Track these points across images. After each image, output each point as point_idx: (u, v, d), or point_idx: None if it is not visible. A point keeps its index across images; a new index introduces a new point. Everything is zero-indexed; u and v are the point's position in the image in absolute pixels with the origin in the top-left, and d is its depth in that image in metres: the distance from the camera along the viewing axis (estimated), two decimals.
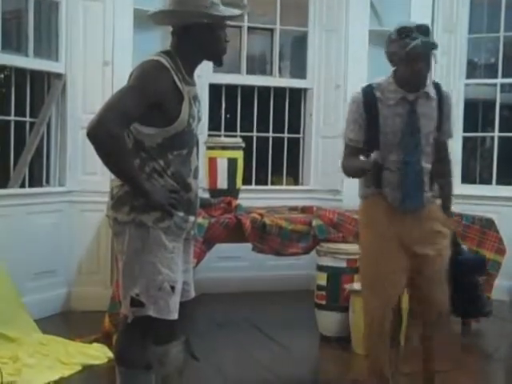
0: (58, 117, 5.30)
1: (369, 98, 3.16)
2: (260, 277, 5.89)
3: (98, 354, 4.09)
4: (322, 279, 4.67)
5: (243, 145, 5.40)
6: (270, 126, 6.45)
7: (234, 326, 4.99)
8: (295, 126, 6.52)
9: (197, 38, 2.69)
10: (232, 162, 5.24)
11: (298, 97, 6.49)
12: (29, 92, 5.15)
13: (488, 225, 4.93)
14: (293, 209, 5.39)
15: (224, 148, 5.28)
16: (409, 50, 3.02)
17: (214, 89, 6.13)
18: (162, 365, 2.77)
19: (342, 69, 6.11)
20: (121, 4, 5.22)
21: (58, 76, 5.23)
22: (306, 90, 6.42)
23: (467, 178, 6.50)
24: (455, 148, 5.79)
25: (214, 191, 5.22)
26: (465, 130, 6.34)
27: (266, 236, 4.67)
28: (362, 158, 3.11)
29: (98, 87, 5.15)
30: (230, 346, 4.54)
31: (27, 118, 5.16)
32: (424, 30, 3.03)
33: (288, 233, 4.73)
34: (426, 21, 5.89)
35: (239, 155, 5.32)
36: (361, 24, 6.06)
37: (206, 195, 5.06)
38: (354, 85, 6.01)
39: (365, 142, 3.15)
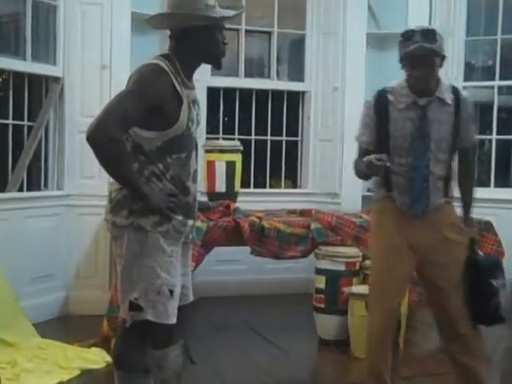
0: (56, 120, 5.30)
1: (380, 102, 3.16)
2: (258, 280, 5.88)
3: (97, 358, 4.08)
4: (321, 282, 4.66)
5: (241, 148, 5.40)
6: (268, 129, 6.45)
7: (232, 330, 4.98)
8: (293, 129, 6.52)
9: (194, 40, 2.69)
10: (230, 165, 5.23)
11: (295, 100, 6.49)
12: (27, 96, 5.15)
13: (486, 227, 4.93)
14: (291, 212, 5.38)
15: (222, 151, 5.28)
16: (405, 54, 3.03)
17: (212, 92, 6.13)
18: (160, 369, 2.77)
19: (339, 72, 6.11)
20: (119, 8, 5.22)
21: (56, 80, 5.23)
22: (303, 92, 6.43)
23: None
24: None
25: (213, 194, 5.22)
26: None
27: (264, 239, 4.66)
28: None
29: (96, 91, 5.15)
30: (228, 349, 4.54)
31: (25, 122, 5.16)
32: (426, 34, 2.99)
33: (286, 236, 4.72)
34: (423, 23, 5.94)
35: (237, 158, 5.31)
36: (358, 27, 6.07)
37: (205, 198, 5.06)
38: (352, 88, 6.07)
39: (376, 144, 3.15)
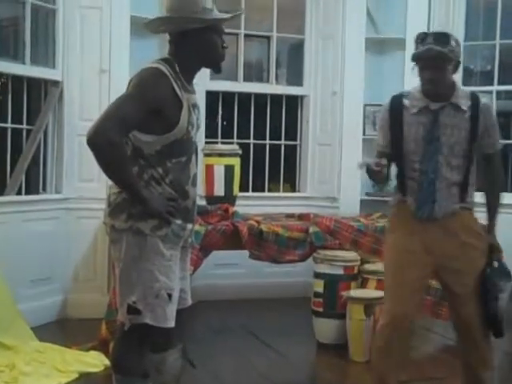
0: (55, 124, 5.30)
1: (395, 106, 3.17)
2: (257, 284, 5.88)
3: (95, 361, 4.08)
4: (319, 286, 4.67)
5: (240, 152, 5.41)
6: (266, 133, 6.46)
7: (230, 333, 4.98)
8: (292, 133, 6.53)
9: (192, 43, 2.70)
10: (229, 169, 5.24)
11: (294, 104, 6.50)
12: (26, 99, 5.15)
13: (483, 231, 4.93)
14: (290, 216, 5.39)
15: (221, 155, 5.28)
16: (413, 55, 3.04)
17: (211, 96, 6.14)
18: (158, 373, 2.77)
19: (338, 76, 6.12)
20: (118, 11, 5.23)
21: (55, 83, 5.23)
22: (302, 97, 6.43)
23: None
24: None
25: (211, 198, 5.22)
26: None
27: (262, 243, 4.67)
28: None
29: (95, 94, 5.16)
30: (227, 353, 4.54)
31: (24, 126, 5.16)
32: (440, 38, 2.98)
33: (285, 240, 4.73)
34: (422, 28, 5.95)
35: (236, 162, 5.32)
36: (357, 31, 6.08)
37: (203, 202, 5.06)
38: (351, 92, 6.08)
39: (390, 148, 3.17)
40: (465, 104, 3.07)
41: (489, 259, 3.10)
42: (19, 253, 4.76)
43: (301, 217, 5.28)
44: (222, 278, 5.83)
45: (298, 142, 6.51)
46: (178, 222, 2.70)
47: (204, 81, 5.65)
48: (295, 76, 6.62)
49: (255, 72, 7.08)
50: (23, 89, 5.14)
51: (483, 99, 3.13)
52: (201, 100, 5.67)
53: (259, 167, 6.44)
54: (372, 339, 3.27)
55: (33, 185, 5.39)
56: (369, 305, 4.35)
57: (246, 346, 4.69)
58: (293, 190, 6.67)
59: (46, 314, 5.02)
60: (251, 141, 6.40)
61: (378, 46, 6.28)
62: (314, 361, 4.70)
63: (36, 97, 5.31)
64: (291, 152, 6.55)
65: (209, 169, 5.22)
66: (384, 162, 2.99)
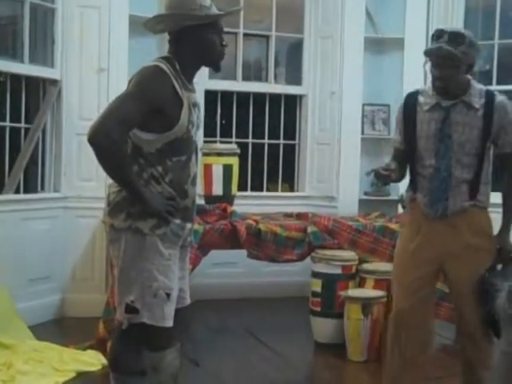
0: (53, 123, 5.29)
1: (409, 103, 3.18)
2: (255, 283, 5.88)
3: (93, 360, 4.08)
4: (317, 286, 4.67)
5: (238, 151, 5.41)
6: (265, 133, 6.46)
7: (228, 333, 4.98)
8: (291, 133, 6.53)
9: (191, 41, 2.70)
10: (227, 169, 5.24)
11: (293, 103, 6.50)
12: (24, 98, 5.15)
13: None
14: (288, 215, 5.39)
15: (219, 154, 5.28)
16: (425, 52, 3.05)
17: (210, 95, 6.13)
18: (156, 371, 2.76)
19: (337, 75, 6.11)
20: (117, 10, 5.22)
21: (54, 82, 5.23)
22: (301, 96, 6.43)
23: None
24: None
25: (210, 197, 5.22)
26: None
27: (261, 242, 4.67)
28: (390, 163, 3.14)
29: (94, 93, 5.16)
30: (224, 352, 4.53)
31: (22, 124, 5.16)
32: (455, 37, 2.97)
33: (283, 239, 4.73)
34: (421, 28, 5.99)
35: (235, 161, 5.32)
36: (356, 31, 6.07)
37: (201, 201, 5.06)
38: (350, 91, 6.08)
39: (405, 145, 3.19)
40: (478, 102, 3.06)
41: (494, 261, 3.08)
42: (17, 252, 4.76)
43: (299, 216, 5.28)
44: (220, 277, 5.83)
45: (296, 142, 6.51)
46: (177, 221, 2.70)
47: (203, 80, 5.64)
48: (294, 75, 6.62)
49: (254, 71, 7.09)
50: (22, 88, 5.14)
51: (499, 97, 3.09)
52: (199, 99, 5.67)
53: (258, 166, 6.44)
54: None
55: (31, 184, 5.39)
56: (366, 304, 4.35)
57: (243, 346, 4.69)
58: (291, 189, 6.67)
59: (43, 313, 5.02)
60: (250, 140, 6.39)
61: (377, 45, 6.28)
62: (312, 360, 4.70)
63: (34, 96, 5.31)
64: (290, 151, 6.55)
65: (207, 168, 5.22)
66: (393, 165, 3.01)
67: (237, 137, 6.33)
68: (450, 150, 3.06)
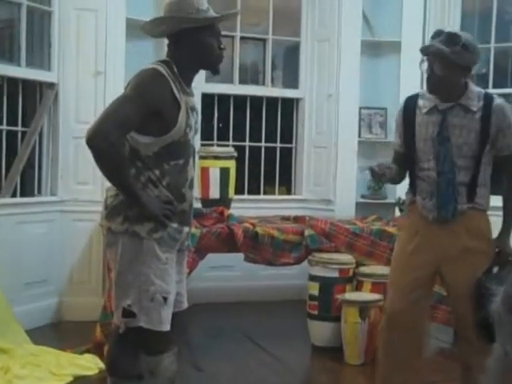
0: (50, 126, 5.29)
1: (408, 106, 3.20)
2: (252, 286, 5.88)
3: (90, 364, 4.07)
4: (314, 289, 4.66)
5: (235, 154, 5.41)
6: (262, 136, 6.46)
7: (225, 336, 4.97)
8: (287, 136, 6.53)
9: (189, 45, 2.71)
10: (224, 172, 5.24)
11: (290, 106, 6.50)
12: (21, 101, 5.14)
13: None
14: (285, 218, 5.39)
15: (216, 158, 5.28)
16: (419, 50, 3.07)
17: (207, 98, 6.14)
18: (153, 375, 2.76)
19: (334, 79, 6.12)
20: (113, 14, 5.22)
21: (51, 85, 5.22)
22: (298, 99, 6.44)
23: None
24: None
25: (207, 201, 5.22)
26: None
27: (258, 246, 4.67)
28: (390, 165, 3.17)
29: (91, 97, 5.15)
30: (221, 356, 4.52)
31: (19, 128, 5.15)
32: (451, 38, 2.97)
33: (280, 243, 4.73)
34: (417, 31, 6.00)
35: (231, 165, 5.32)
36: (353, 34, 6.08)
37: (198, 205, 5.05)
38: (347, 94, 6.09)
39: (404, 148, 3.21)
40: (475, 105, 3.06)
41: (491, 264, 3.08)
42: (14, 255, 4.75)
43: (296, 219, 5.28)
44: (217, 281, 5.83)
45: (293, 145, 6.51)
46: (175, 225, 2.70)
47: (199, 83, 5.63)
48: (291, 78, 6.62)
49: (251, 74, 7.08)
50: (18, 91, 5.13)
51: (497, 100, 3.09)
52: (196, 102, 5.67)
53: (255, 170, 6.44)
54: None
55: (28, 187, 5.38)
56: (364, 308, 4.35)
57: (241, 349, 4.68)
58: (288, 192, 6.67)
59: (40, 317, 5.00)
60: (247, 143, 6.40)
61: (374, 48, 6.29)
62: (309, 364, 4.70)
63: (31, 99, 5.30)
64: (287, 154, 6.55)
65: (204, 171, 5.21)
66: (390, 165, 3.00)
67: (234, 140, 6.33)
68: (450, 153, 3.07)
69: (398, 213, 5.64)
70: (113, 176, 2.62)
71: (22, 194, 5.20)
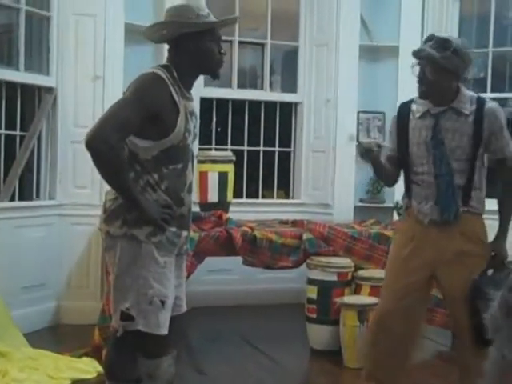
0: (49, 130, 5.29)
1: (403, 111, 3.23)
2: (250, 290, 5.88)
3: (88, 368, 4.07)
4: (313, 292, 4.67)
5: (234, 158, 5.42)
6: (260, 140, 6.47)
7: (224, 340, 4.97)
8: (286, 140, 6.54)
9: (189, 49, 2.72)
10: (223, 176, 5.25)
11: (288, 111, 6.51)
12: (19, 106, 5.15)
13: None
14: (283, 222, 5.40)
15: (215, 162, 5.29)
16: (411, 53, 3.09)
17: (205, 102, 6.15)
18: (152, 379, 2.76)
19: (332, 83, 6.13)
20: (112, 18, 5.23)
21: (49, 90, 5.23)
22: (296, 104, 6.45)
23: None
24: None
25: (205, 205, 5.23)
26: None
27: (256, 249, 4.68)
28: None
29: (89, 101, 5.16)
30: (220, 359, 4.52)
31: (17, 132, 5.15)
32: (439, 42, 2.99)
33: (278, 246, 4.73)
34: (415, 36, 6.00)
35: (230, 169, 5.33)
36: (351, 39, 6.10)
37: (197, 209, 5.06)
38: (345, 99, 6.10)
39: (398, 152, 3.22)
40: (468, 108, 3.07)
41: (486, 267, 3.08)
42: (12, 259, 4.76)
43: (294, 223, 5.28)
44: (215, 284, 5.83)
45: (291, 149, 6.52)
46: (173, 229, 2.70)
47: (198, 87, 5.62)
48: (289, 83, 6.63)
49: (249, 79, 7.10)
50: (17, 95, 5.14)
51: (490, 103, 3.11)
52: (195, 107, 5.68)
53: (253, 174, 6.44)
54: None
55: (26, 191, 5.39)
56: (362, 311, 4.35)
57: (239, 353, 4.68)
58: (287, 196, 6.68)
59: (38, 320, 5.00)
60: (245, 147, 6.40)
61: (372, 53, 6.30)
62: (308, 367, 4.70)
63: (30, 103, 5.31)
64: (285, 159, 6.56)
65: (202, 175, 5.22)
66: (381, 143, 3.07)
67: (232, 144, 6.34)
68: (445, 156, 3.08)
69: (396, 217, 5.65)
70: (112, 179, 2.63)
71: (21, 198, 5.20)
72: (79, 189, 5.19)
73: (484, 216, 3.19)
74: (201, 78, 5.35)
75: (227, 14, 5.82)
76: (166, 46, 2.82)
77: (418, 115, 3.15)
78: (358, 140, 6.17)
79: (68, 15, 5.21)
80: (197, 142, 5.76)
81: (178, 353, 2.87)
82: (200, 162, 5.25)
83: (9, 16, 5.32)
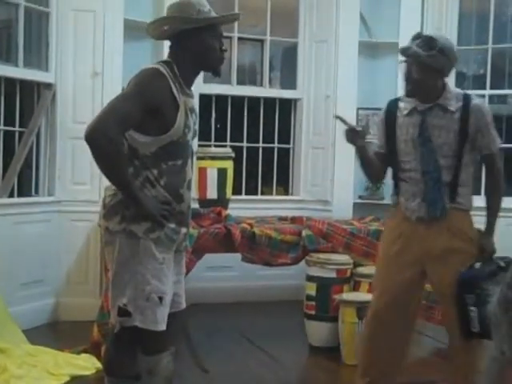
0: (48, 127, 5.29)
1: (390, 108, 3.24)
2: (249, 287, 5.88)
3: (87, 364, 4.07)
4: (312, 289, 4.67)
5: (233, 155, 5.41)
6: (260, 137, 6.47)
7: (223, 336, 4.98)
8: (285, 137, 6.54)
9: (190, 46, 2.72)
10: (222, 172, 5.24)
11: (287, 107, 6.51)
12: (18, 102, 5.14)
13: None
14: (282, 219, 5.39)
15: (214, 158, 5.28)
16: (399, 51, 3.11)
17: (205, 99, 6.14)
18: (151, 375, 2.76)
19: (331, 79, 6.13)
20: (111, 15, 5.22)
21: (48, 86, 5.22)
22: (295, 100, 6.44)
23: None
24: None
25: (204, 201, 5.22)
26: None
27: (255, 246, 4.67)
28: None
29: (88, 97, 5.15)
30: (219, 356, 4.53)
31: (16, 128, 5.15)
32: (425, 41, 3.01)
33: (277, 243, 4.73)
34: (415, 33, 5.99)
35: (229, 165, 5.32)
36: (351, 35, 6.10)
37: (196, 205, 5.06)
38: (344, 95, 6.09)
39: (386, 149, 3.24)
40: (454, 105, 3.09)
41: (474, 261, 3.10)
42: (11, 255, 4.75)
43: (293, 220, 5.28)
44: (214, 281, 5.83)
45: (291, 146, 6.52)
46: (172, 225, 2.70)
47: (197, 84, 5.60)
48: (289, 79, 6.63)
49: (249, 75, 7.10)
50: (16, 91, 5.13)
51: (475, 100, 3.13)
52: (195, 103, 5.68)
53: (252, 170, 6.45)
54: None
55: (25, 187, 5.39)
56: (361, 308, 4.34)
57: (238, 349, 4.69)
58: (286, 193, 6.68)
59: (37, 317, 5.00)
60: (244, 144, 6.40)
61: (372, 49, 6.30)
62: (307, 364, 4.70)
63: (29, 99, 5.31)
64: (284, 155, 6.56)
65: (202, 172, 5.22)
66: (369, 130, 3.16)
67: (231, 140, 6.34)
68: (433, 152, 3.09)
69: None
70: (111, 173, 2.62)
71: (20, 194, 5.20)
72: (78, 185, 5.18)
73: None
74: (201, 75, 5.36)
75: (227, 10, 5.82)
76: (165, 43, 2.82)
77: (405, 112, 3.16)
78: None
79: (67, 11, 5.20)
80: (196, 138, 5.81)
81: (178, 350, 2.87)
82: (199, 158, 5.24)
83: (8, 12, 5.31)
